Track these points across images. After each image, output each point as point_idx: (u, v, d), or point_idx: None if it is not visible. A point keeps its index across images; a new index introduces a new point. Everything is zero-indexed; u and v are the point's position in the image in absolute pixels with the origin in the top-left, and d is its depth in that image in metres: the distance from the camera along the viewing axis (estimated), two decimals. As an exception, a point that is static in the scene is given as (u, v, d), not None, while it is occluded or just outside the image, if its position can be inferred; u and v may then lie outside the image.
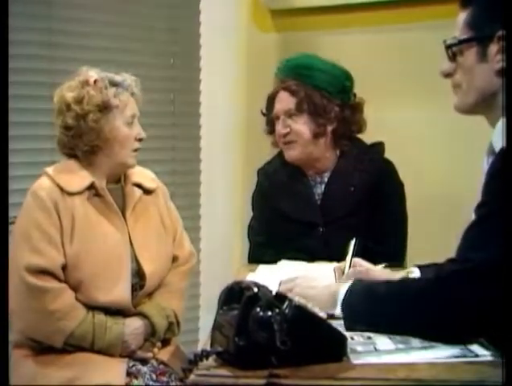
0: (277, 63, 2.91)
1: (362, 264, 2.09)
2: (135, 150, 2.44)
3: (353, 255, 2.13)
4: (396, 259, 2.58)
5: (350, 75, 2.80)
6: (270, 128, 2.84)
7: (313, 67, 2.76)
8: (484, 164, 1.75)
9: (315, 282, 1.85)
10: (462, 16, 1.75)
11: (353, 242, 2.17)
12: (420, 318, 1.61)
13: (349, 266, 2.09)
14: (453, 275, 1.60)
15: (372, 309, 1.68)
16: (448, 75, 1.79)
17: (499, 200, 1.57)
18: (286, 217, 2.76)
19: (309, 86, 2.71)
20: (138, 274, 2.41)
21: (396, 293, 1.68)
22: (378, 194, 2.70)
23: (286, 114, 2.74)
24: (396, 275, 2.01)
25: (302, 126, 2.73)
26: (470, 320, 1.57)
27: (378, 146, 2.81)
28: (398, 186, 2.78)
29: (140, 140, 2.45)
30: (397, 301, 1.65)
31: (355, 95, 2.81)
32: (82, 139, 2.37)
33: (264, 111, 2.86)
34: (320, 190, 2.78)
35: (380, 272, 2.08)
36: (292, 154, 2.77)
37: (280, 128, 2.75)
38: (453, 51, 1.75)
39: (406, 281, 1.79)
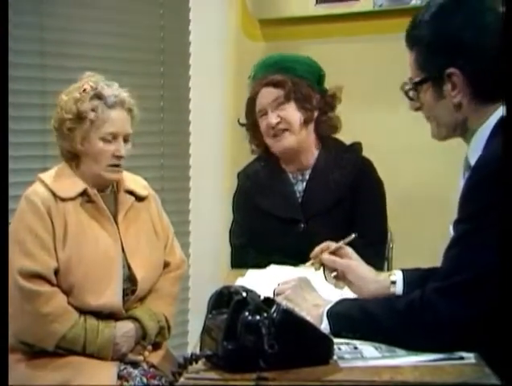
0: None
1: (348, 253, 2.06)
2: (115, 166, 2.41)
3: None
4: (377, 251, 2.65)
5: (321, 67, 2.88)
6: (253, 131, 2.86)
7: (293, 59, 2.83)
8: (460, 179, 1.78)
9: (309, 296, 1.85)
10: (412, 57, 1.78)
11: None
12: (406, 334, 1.63)
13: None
14: (435, 292, 1.62)
15: (358, 316, 1.70)
16: (417, 108, 1.82)
17: (475, 217, 1.59)
18: (267, 214, 2.78)
19: (293, 76, 2.77)
20: (130, 279, 2.42)
21: (384, 307, 1.69)
22: (358, 190, 2.74)
23: (274, 106, 2.76)
24: (380, 275, 2.02)
25: (292, 113, 2.76)
26: (455, 336, 1.59)
27: (356, 146, 2.85)
28: (378, 183, 2.82)
29: (119, 157, 2.41)
30: (383, 314, 1.67)
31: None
32: (62, 144, 2.41)
33: (241, 120, 2.89)
34: (301, 187, 2.81)
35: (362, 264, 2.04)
36: (285, 143, 2.77)
37: (270, 119, 2.75)
38: (411, 93, 1.79)
39: (392, 299, 1.79)
